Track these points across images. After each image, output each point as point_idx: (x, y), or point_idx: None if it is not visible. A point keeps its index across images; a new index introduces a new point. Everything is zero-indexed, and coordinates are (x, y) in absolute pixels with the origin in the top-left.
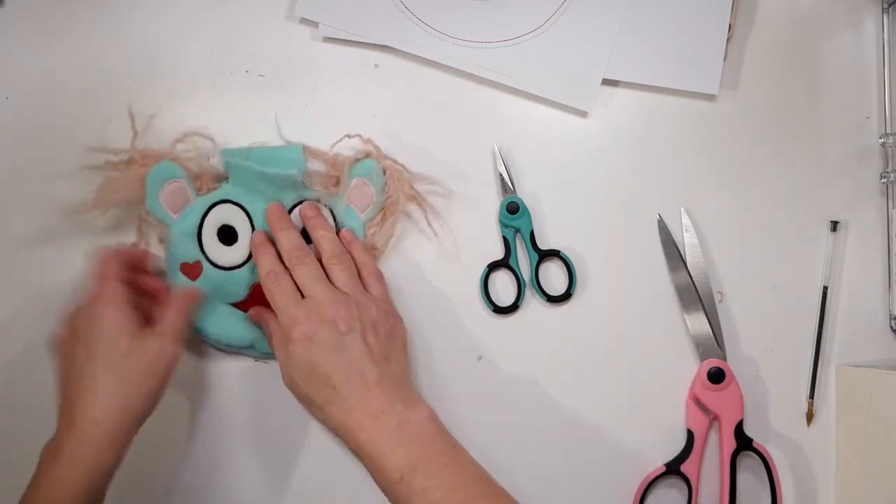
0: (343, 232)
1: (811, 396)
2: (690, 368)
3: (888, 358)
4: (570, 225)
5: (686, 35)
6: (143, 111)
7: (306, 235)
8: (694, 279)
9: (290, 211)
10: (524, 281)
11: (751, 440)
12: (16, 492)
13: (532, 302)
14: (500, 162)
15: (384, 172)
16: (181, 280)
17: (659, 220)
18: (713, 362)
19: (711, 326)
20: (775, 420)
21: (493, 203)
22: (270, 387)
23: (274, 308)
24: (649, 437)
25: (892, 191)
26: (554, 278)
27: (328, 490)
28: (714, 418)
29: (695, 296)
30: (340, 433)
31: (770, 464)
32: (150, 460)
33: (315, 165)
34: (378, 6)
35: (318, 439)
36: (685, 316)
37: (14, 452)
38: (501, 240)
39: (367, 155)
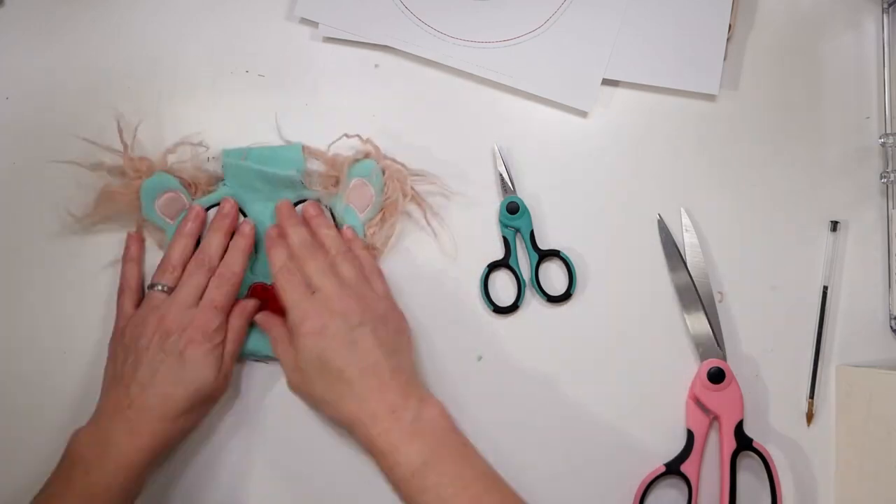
0: (344, 230)
1: (811, 396)
2: (690, 368)
3: (888, 358)
4: (570, 225)
5: (686, 35)
6: (143, 111)
7: None
8: (694, 279)
9: None
10: (524, 281)
11: (751, 440)
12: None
13: (532, 302)
14: (500, 162)
15: (383, 172)
16: None
17: (659, 220)
18: (713, 362)
19: (711, 326)
20: (775, 420)
21: (493, 203)
22: (270, 388)
23: (285, 303)
24: (649, 437)
25: (892, 191)
26: (554, 278)
27: (328, 490)
28: (714, 418)
29: (695, 296)
30: (352, 428)
31: (770, 464)
32: None
33: (314, 165)
34: (378, 6)
35: (319, 439)
36: (685, 316)
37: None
38: (501, 240)
39: (367, 155)
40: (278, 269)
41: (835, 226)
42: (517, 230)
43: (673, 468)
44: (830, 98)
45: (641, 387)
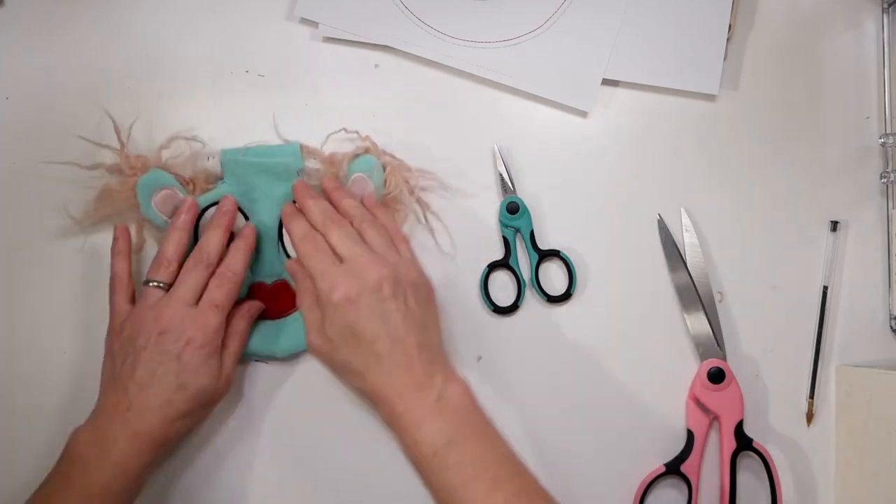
0: (365, 197)
1: (811, 396)
2: (690, 368)
3: (888, 358)
4: (570, 225)
5: (686, 35)
6: (143, 111)
7: None
8: (694, 279)
9: None
10: (524, 281)
11: (751, 440)
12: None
13: (532, 302)
14: (500, 162)
15: (384, 168)
16: None
17: (659, 220)
18: (713, 362)
19: (711, 326)
20: (775, 420)
21: (493, 203)
22: (271, 389)
23: (311, 272)
24: (649, 437)
25: (892, 191)
26: (554, 278)
27: (331, 493)
28: (714, 418)
29: (695, 296)
30: (376, 402)
31: (770, 464)
32: None
33: (313, 164)
34: (378, 6)
35: (319, 440)
36: (685, 316)
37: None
38: (501, 240)
39: (366, 151)
40: (300, 238)
41: (835, 226)
42: (517, 230)
43: (673, 468)
44: (830, 98)
45: (641, 387)
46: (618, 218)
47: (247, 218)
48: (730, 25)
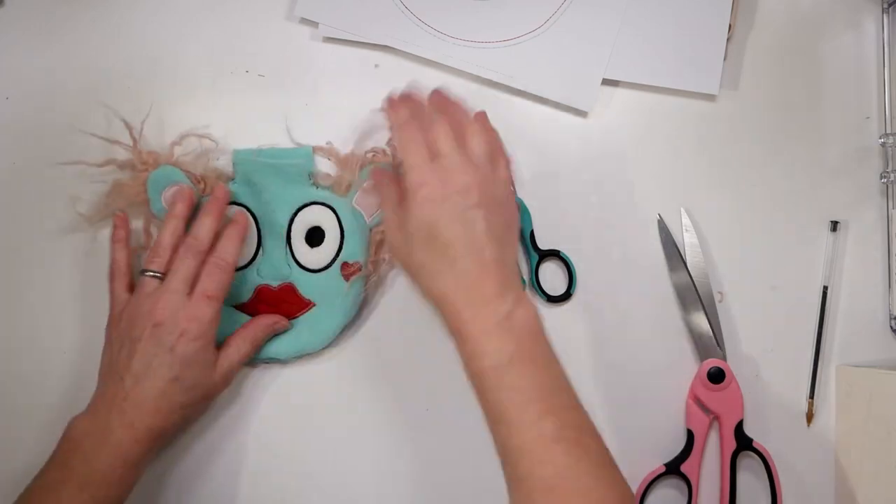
0: (477, 113)
1: (811, 396)
2: (690, 368)
3: (888, 358)
4: (570, 225)
5: (686, 35)
6: (143, 111)
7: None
8: (694, 279)
9: (296, 213)
10: (524, 281)
11: (751, 440)
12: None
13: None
14: None
15: None
16: None
17: (659, 220)
18: (713, 362)
19: (711, 326)
20: (775, 420)
21: None
22: (272, 390)
23: (405, 163)
24: (649, 437)
25: (892, 191)
26: (554, 278)
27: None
28: (714, 418)
29: (695, 296)
30: (441, 306)
31: (770, 464)
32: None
33: (326, 168)
34: (378, 6)
35: (318, 441)
36: (685, 316)
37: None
38: None
39: (383, 155)
40: (401, 123)
41: (835, 226)
42: None
43: (673, 468)
44: (830, 98)
45: (641, 387)
46: (618, 218)
47: (254, 217)
48: (730, 25)
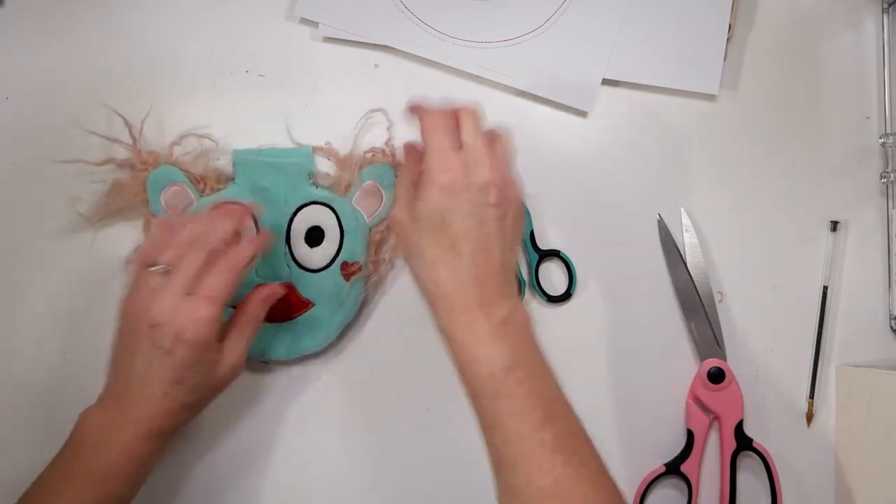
0: (495, 128)
1: (811, 396)
2: (690, 368)
3: (888, 358)
4: (570, 225)
5: (686, 35)
6: (143, 111)
7: (312, 239)
8: (694, 279)
9: (295, 213)
10: (524, 281)
11: (751, 440)
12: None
13: (532, 302)
14: None
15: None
16: None
17: (659, 220)
18: (713, 362)
19: (711, 326)
20: (775, 420)
21: None
22: (272, 390)
23: (427, 144)
24: (649, 437)
25: (892, 191)
26: (554, 278)
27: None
28: (714, 418)
29: (695, 296)
30: (435, 301)
31: (770, 464)
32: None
33: (326, 168)
34: (378, 6)
35: (318, 440)
36: (685, 315)
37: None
38: None
39: (382, 155)
40: (430, 109)
41: (835, 226)
42: None
43: (673, 468)
44: (830, 98)
45: (641, 387)
46: (618, 218)
47: (255, 220)
48: (730, 25)
